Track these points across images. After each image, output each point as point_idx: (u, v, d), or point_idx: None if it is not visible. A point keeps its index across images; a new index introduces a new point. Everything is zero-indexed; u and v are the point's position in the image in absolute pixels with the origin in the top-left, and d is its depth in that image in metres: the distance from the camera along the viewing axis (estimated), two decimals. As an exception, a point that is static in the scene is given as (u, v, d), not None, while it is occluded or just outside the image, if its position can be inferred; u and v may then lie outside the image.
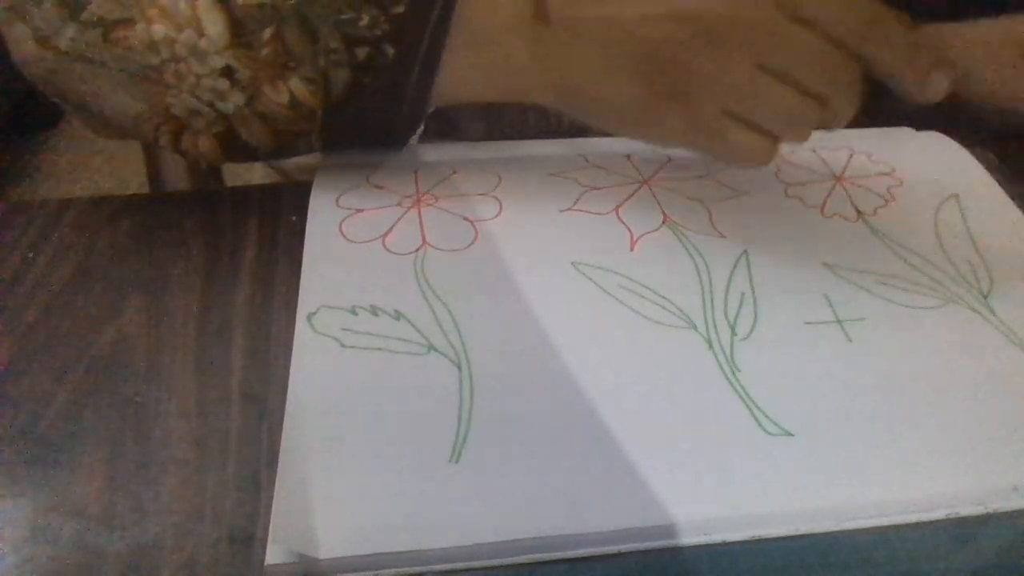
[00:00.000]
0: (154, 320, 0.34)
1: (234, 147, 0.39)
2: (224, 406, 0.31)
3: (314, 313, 0.33)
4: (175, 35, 0.34)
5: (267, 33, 0.35)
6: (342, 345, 0.32)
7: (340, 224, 0.38)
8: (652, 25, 0.34)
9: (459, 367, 0.32)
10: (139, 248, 0.38)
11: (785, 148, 0.39)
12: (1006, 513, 0.28)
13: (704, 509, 0.27)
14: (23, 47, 0.36)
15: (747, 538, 0.27)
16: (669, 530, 0.27)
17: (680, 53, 0.34)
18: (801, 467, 0.28)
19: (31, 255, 0.38)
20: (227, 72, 0.36)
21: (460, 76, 0.37)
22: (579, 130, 0.42)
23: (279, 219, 0.40)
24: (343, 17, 0.35)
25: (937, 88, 0.35)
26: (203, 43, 0.35)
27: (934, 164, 0.43)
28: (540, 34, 0.36)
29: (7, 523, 0.27)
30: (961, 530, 0.27)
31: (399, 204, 0.39)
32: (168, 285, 0.36)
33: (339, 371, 0.31)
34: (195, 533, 0.27)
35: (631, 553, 0.26)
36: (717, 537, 0.27)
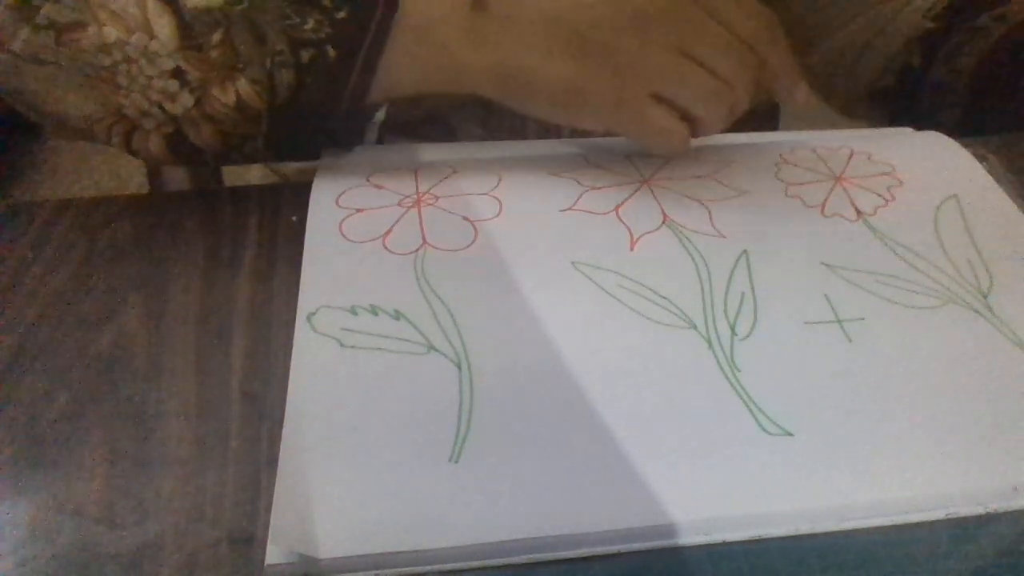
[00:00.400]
0: (154, 320, 0.34)
1: (182, 148, 0.40)
2: (224, 406, 0.31)
3: (314, 313, 0.33)
4: (126, 38, 0.35)
5: (217, 36, 0.35)
6: (342, 345, 0.32)
7: (340, 224, 0.38)
8: (586, 9, 0.37)
9: (459, 367, 0.32)
10: (139, 248, 0.38)
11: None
12: (1006, 513, 0.28)
13: (704, 509, 0.27)
14: None
15: (747, 538, 0.27)
16: (669, 530, 0.27)
17: (611, 35, 0.37)
18: (801, 467, 0.28)
19: (31, 255, 0.38)
20: (177, 73, 0.36)
21: (399, 70, 0.38)
22: (579, 130, 0.42)
23: (279, 219, 0.40)
24: (289, 22, 0.36)
25: (803, 96, 0.42)
26: (154, 45, 0.35)
27: (934, 164, 0.43)
28: (477, 21, 0.38)
29: (7, 523, 0.27)
30: (961, 530, 0.27)
31: (399, 204, 0.39)
32: (168, 285, 0.36)
33: (339, 371, 0.31)
34: (195, 533, 0.27)
35: (631, 553, 0.26)
36: (717, 537, 0.27)
